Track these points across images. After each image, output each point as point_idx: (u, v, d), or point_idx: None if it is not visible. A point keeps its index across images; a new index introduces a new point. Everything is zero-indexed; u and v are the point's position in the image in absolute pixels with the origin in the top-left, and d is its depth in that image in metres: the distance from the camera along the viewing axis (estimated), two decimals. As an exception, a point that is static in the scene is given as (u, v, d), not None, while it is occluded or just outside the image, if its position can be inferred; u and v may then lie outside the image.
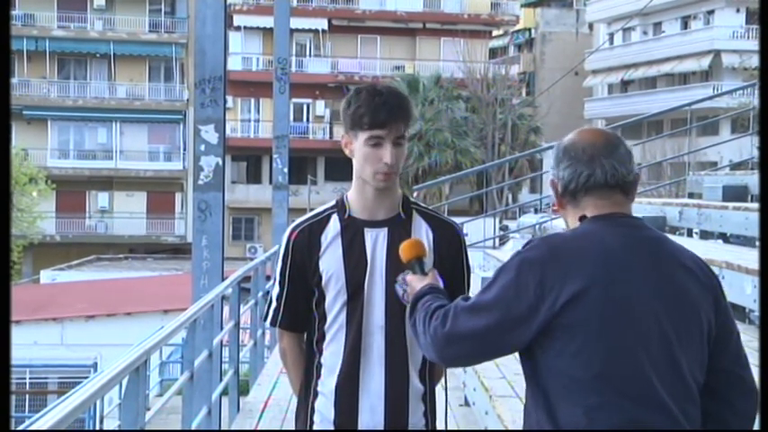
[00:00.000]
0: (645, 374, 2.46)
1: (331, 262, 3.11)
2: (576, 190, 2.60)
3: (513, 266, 2.54)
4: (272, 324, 3.24)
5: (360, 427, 3.10)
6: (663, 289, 2.52)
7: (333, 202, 3.21)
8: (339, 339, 3.12)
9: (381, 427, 3.10)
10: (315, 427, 3.15)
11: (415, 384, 3.14)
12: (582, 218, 2.60)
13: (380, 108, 3.01)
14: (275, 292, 3.22)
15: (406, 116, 3.06)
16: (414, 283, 2.90)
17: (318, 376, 3.16)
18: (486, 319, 2.52)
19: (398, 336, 3.11)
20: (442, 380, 3.21)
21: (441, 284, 2.90)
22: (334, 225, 3.15)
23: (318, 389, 3.15)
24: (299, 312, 3.18)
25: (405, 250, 2.97)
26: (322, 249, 3.12)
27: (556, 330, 2.47)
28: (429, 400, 3.19)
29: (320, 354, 3.15)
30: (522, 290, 2.49)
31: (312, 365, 3.18)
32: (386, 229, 3.13)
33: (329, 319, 3.13)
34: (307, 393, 3.19)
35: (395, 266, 3.09)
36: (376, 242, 3.12)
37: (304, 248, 3.14)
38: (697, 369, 2.54)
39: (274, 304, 3.22)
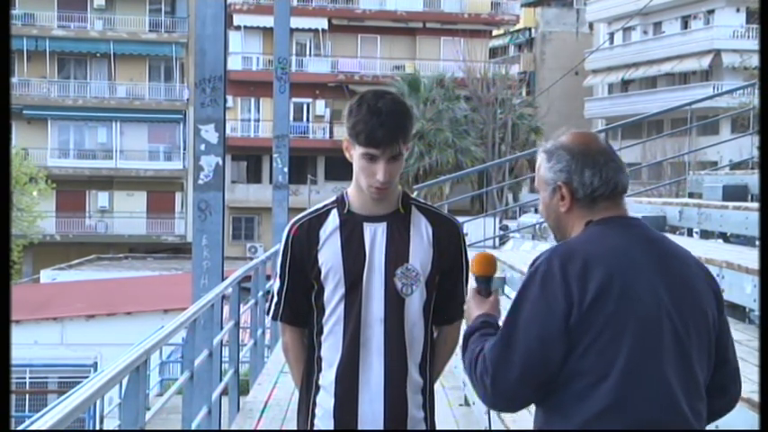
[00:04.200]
0: (662, 371, 2.48)
1: (329, 255, 3.14)
2: (600, 197, 2.62)
3: (537, 283, 2.52)
4: (274, 318, 3.28)
5: (359, 418, 3.13)
6: (672, 285, 2.55)
7: (333, 198, 3.24)
8: (337, 332, 3.15)
9: (381, 418, 3.13)
10: (317, 421, 3.18)
11: (414, 377, 3.16)
12: (588, 222, 2.62)
13: (377, 129, 3.02)
14: (276, 286, 3.26)
15: (403, 135, 3.07)
16: (471, 305, 2.81)
17: (319, 370, 3.18)
18: (524, 344, 2.49)
19: (398, 328, 3.13)
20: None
21: (498, 311, 2.79)
22: (333, 220, 3.18)
23: (320, 382, 3.18)
24: (299, 306, 3.21)
25: (477, 264, 2.87)
26: (321, 243, 3.15)
27: (583, 330, 2.47)
28: (428, 392, 3.22)
29: (320, 347, 3.18)
30: (552, 300, 2.49)
31: (313, 359, 3.21)
32: (385, 224, 3.16)
33: (327, 311, 3.16)
34: (308, 387, 3.22)
35: (394, 260, 3.13)
36: (375, 236, 3.14)
37: (303, 243, 3.17)
38: (705, 364, 2.58)
39: (275, 299, 3.25)
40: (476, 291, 2.82)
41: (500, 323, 2.66)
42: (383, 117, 3.03)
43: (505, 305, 2.69)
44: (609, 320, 2.46)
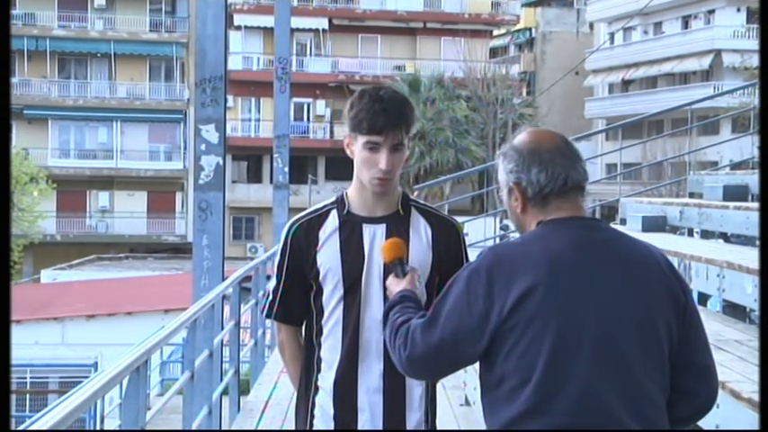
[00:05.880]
0: (587, 377, 2.46)
1: (328, 256, 3.14)
2: (550, 194, 2.60)
3: (464, 278, 2.57)
4: (268, 316, 3.29)
5: (359, 422, 3.13)
6: (609, 290, 2.52)
7: (333, 199, 3.24)
8: (336, 334, 3.15)
9: (380, 422, 3.13)
10: (315, 422, 3.18)
11: (414, 380, 3.14)
12: (539, 223, 2.61)
13: (379, 115, 3.03)
14: (272, 285, 3.26)
15: (405, 123, 3.08)
16: (391, 286, 2.93)
17: (318, 370, 3.18)
18: (440, 333, 2.57)
19: None
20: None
21: (417, 287, 2.92)
22: (332, 220, 3.17)
23: (319, 383, 3.18)
24: (294, 305, 3.21)
25: (385, 251, 3.00)
26: (320, 244, 3.15)
27: (505, 333, 2.50)
28: (429, 395, 3.21)
29: (319, 348, 3.18)
30: (473, 300, 2.53)
31: (312, 360, 3.21)
32: (384, 225, 3.15)
33: (326, 313, 3.16)
34: (307, 387, 3.21)
35: None
36: (374, 237, 3.14)
37: (302, 243, 3.17)
38: (657, 367, 2.54)
39: (270, 297, 3.26)
40: (393, 275, 2.95)
41: (417, 295, 2.86)
42: (385, 104, 3.05)
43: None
44: (529, 325, 2.47)
